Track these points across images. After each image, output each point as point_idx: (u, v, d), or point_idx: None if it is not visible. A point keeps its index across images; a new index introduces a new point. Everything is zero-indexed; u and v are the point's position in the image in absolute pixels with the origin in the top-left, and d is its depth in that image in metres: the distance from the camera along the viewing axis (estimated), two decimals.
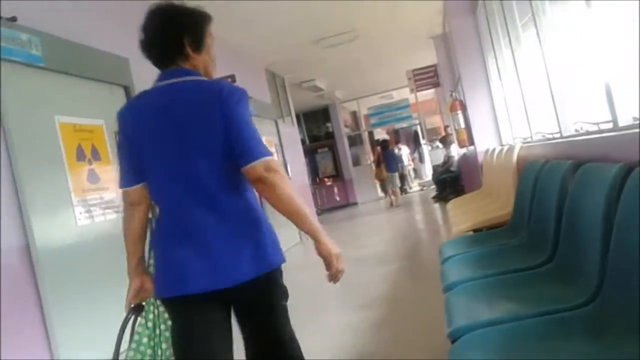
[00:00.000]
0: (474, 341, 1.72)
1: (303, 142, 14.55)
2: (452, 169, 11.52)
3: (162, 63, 1.98)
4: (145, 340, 1.99)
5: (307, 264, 7.40)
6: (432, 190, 13.09)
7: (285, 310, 2.00)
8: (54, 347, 3.67)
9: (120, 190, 2.00)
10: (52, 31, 4.22)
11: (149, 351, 1.98)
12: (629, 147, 2.03)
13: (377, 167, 13.54)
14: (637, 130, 2.11)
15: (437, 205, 11.03)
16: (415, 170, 18.55)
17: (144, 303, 2.02)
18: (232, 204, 1.86)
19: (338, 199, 16.11)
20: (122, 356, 2.08)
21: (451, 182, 11.25)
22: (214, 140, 1.78)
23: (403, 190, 15.91)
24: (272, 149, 9.21)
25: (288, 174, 9.56)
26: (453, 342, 1.78)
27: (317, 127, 17.01)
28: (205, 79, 1.94)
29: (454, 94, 8.93)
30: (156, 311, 2.00)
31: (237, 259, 1.79)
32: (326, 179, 16.30)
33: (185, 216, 1.82)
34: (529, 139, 4.97)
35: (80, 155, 4.33)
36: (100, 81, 4.82)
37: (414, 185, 17.76)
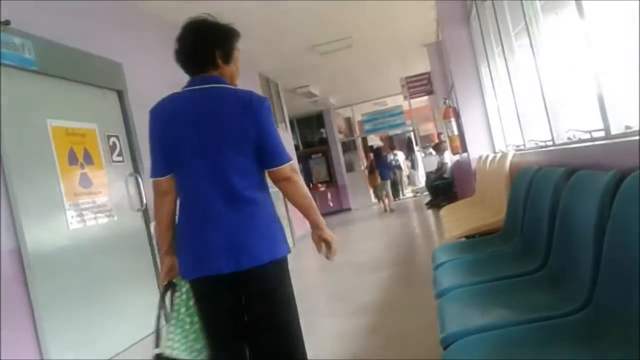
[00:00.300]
0: (466, 347, 1.72)
1: (297, 147, 14.55)
2: (445, 175, 11.54)
3: (194, 71, 2.19)
4: (183, 310, 2.24)
5: (300, 270, 7.39)
6: (425, 197, 13.11)
7: (288, 295, 2.20)
8: (44, 350, 3.65)
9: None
10: (45, 35, 4.21)
11: (187, 319, 2.25)
12: (621, 155, 2.04)
13: (370, 173, 13.65)
14: (630, 138, 2.12)
15: (430, 212, 11.05)
16: (408, 176, 18.54)
17: (174, 280, 2.25)
18: (251, 199, 2.08)
19: (332, 204, 16.12)
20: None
21: (444, 189, 11.27)
22: (245, 142, 2.05)
23: (396, 196, 16.06)
24: None
25: None
26: (445, 348, 1.78)
27: (311, 133, 17.02)
28: (233, 86, 2.21)
29: (447, 101, 8.97)
30: (187, 285, 2.23)
31: (254, 246, 2.05)
32: (320, 185, 16.30)
33: (210, 207, 2.06)
34: (522, 147, 4.99)
35: (73, 159, 4.31)
36: (93, 85, 4.81)
37: (407, 192, 17.77)
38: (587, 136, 2.91)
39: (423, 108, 17.83)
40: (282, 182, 2.13)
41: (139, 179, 5.08)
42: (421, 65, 11.67)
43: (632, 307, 1.56)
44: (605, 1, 2.57)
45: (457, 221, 4.93)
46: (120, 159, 4.97)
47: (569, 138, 3.45)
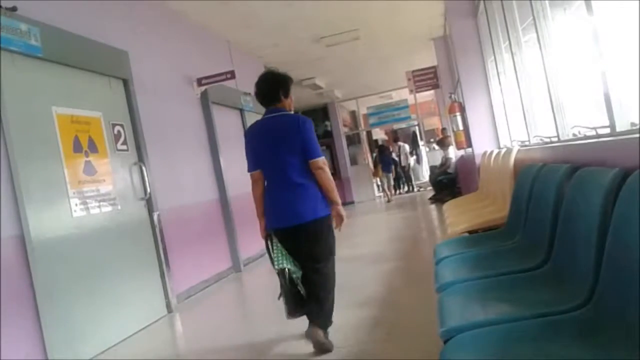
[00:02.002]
0: (466, 342, 1.72)
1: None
2: (450, 170, 11.52)
3: (267, 104, 3.55)
4: (284, 251, 3.39)
5: None
6: (430, 192, 13.14)
7: (329, 241, 3.47)
8: (46, 336, 3.68)
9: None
10: (52, 22, 4.21)
11: (288, 257, 3.39)
12: (626, 152, 2.03)
13: (374, 167, 15.31)
14: (635, 135, 2.11)
15: (433, 207, 11.03)
16: (412, 170, 18.47)
17: (269, 231, 3.49)
18: (300, 181, 3.37)
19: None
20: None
21: (448, 184, 11.25)
22: (296, 148, 3.35)
23: (402, 187, 16.38)
24: None
25: None
26: (445, 342, 1.78)
27: (315, 125, 16.85)
28: (290, 112, 3.56)
29: (453, 95, 8.94)
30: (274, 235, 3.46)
31: (303, 210, 3.35)
32: None
33: (278, 187, 3.42)
34: (527, 143, 4.98)
35: (77, 147, 4.33)
36: (99, 73, 4.81)
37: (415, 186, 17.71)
38: (593, 133, 2.90)
39: (428, 102, 17.78)
40: (316, 170, 3.39)
41: (143, 168, 5.09)
42: (428, 59, 11.62)
43: (633, 305, 1.56)
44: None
45: (460, 216, 4.93)
46: (124, 147, 4.97)
47: (574, 134, 3.44)
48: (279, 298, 3.45)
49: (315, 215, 3.35)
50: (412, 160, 16.57)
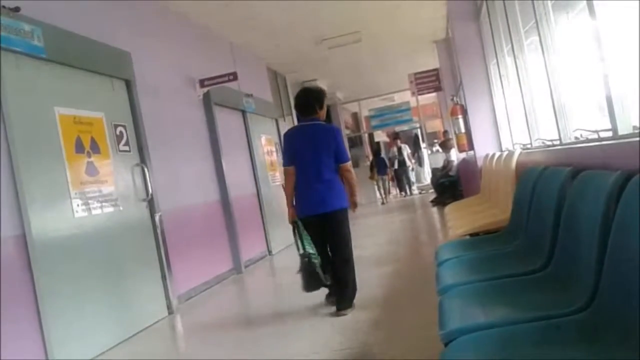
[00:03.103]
0: (466, 344, 1.72)
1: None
2: (451, 173, 11.51)
3: (305, 115, 4.31)
4: (308, 238, 4.10)
5: None
6: (431, 194, 13.11)
7: (347, 232, 4.24)
8: (47, 337, 3.68)
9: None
10: (54, 22, 4.22)
11: (311, 243, 4.10)
12: (628, 156, 2.03)
13: (370, 170, 15.52)
14: (637, 138, 2.11)
15: (435, 209, 11.02)
16: (413, 172, 18.37)
17: (295, 219, 4.20)
18: (329, 177, 4.14)
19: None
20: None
21: (450, 187, 11.25)
22: (329, 151, 4.13)
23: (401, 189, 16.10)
24: (272, 148, 9.21)
25: None
26: (446, 344, 1.78)
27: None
28: (323, 122, 4.35)
29: (455, 98, 8.94)
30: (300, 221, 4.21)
31: (329, 201, 4.11)
32: None
33: (310, 181, 4.14)
34: (529, 146, 4.97)
35: (79, 148, 4.33)
36: (101, 74, 4.82)
37: (414, 189, 17.63)
38: (595, 136, 2.90)
39: (430, 105, 17.78)
40: (345, 172, 4.23)
41: (145, 169, 5.10)
42: (430, 61, 11.63)
43: (633, 308, 1.56)
44: (616, 1, 2.55)
45: (461, 219, 4.92)
46: (126, 148, 4.98)
47: (576, 138, 3.44)
48: (297, 272, 4.15)
49: (341, 205, 4.18)
50: (409, 163, 16.34)
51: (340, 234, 4.17)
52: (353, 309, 4.09)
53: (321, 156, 4.12)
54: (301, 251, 4.09)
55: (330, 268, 4.18)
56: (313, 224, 4.12)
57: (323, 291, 4.37)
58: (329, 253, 4.26)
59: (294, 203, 4.23)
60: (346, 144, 16.94)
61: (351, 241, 4.23)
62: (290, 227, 4.28)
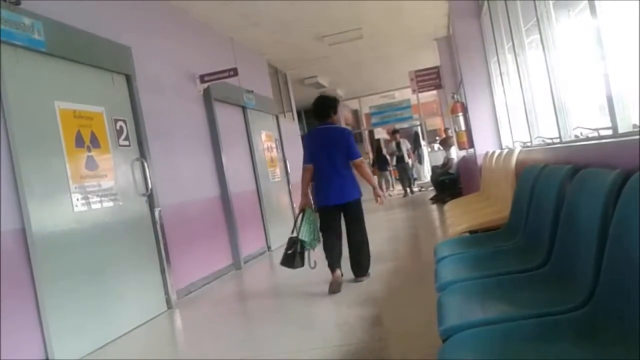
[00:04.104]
0: (464, 341, 1.72)
1: (303, 138, 14.49)
2: (451, 171, 11.51)
3: (321, 120, 4.98)
4: (311, 224, 4.85)
5: None
6: (431, 192, 13.06)
7: (362, 217, 5.00)
8: (46, 330, 3.69)
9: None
10: (55, 16, 4.21)
11: (308, 225, 4.82)
12: (627, 154, 2.03)
13: (372, 166, 15.58)
14: (637, 137, 2.11)
15: (434, 207, 11.03)
16: (412, 167, 18.19)
17: (305, 209, 4.90)
18: (344, 172, 4.81)
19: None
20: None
21: (449, 184, 11.24)
22: (342, 150, 4.81)
23: (403, 189, 15.80)
24: (272, 144, 9.21)
25: (287, 170, 9.57)
26: (444, 341, 1.78)
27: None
28: (337, 125, 5.10)
29: (455, 96, 8.93)
30: (310, 210, 4.93)
31: (345, 192, 4.81)
32: None
33: (328, 176, 4.80)
34: (529, 144, 4.98)
35: (79, 142, 4.33)
36: (102, 69, 4.82)
37: (415, 187, 17.49)
38: (595, 134, 2.90)
39: (431, 102, 17.76)
40: (357, 166, 4.92)
41: (145, 164, 5.10)
42: (431, 59, 11.62)
43: (632, 306, 1.56)
44: (618, 0, 2.54)
45: (461, 216, 4.92)
46: (126, 143, 4.98)
47: (576, 136, 3.44)
48: (286, 251, 4.78)
49: (355, 196, 4.93)
50: (409, 159, 15.91)
51: (356, 219, 4.95)
52: (369, 277, 5.01)
53: (336, 155, 4.81)
54: (294, 234, 4.77)
55: (336, 249, 4.87)
56: (330, 211, 4.88)
57: (322, 288, 4.37)
58: (337, 237, 4.92)
59: (315, 195, 5.04)
60: None
61: (364, 222, 5.01)
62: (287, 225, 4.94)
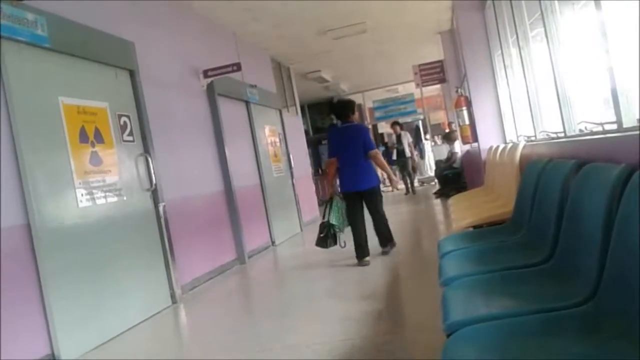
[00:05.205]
0: (469, 336, 1.72)
1: (307, 133, 14.49)
2: (455, 165, 11.49)
3: (342, 119, 5.86)
4: (339, 209, 5.67)
5: (306, 252, 7.42)
6: (432, 187, 12.96)
7: (381, 201, 5.79)
8: (51, 325, 3.70)
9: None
10: (58, 12, 4.21)
11: (337, 209, 5.68)
12: (632, 149, 2.02)
13: None
14: None
15: (438, 201, 11.02)
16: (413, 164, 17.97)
17: (332, 196, 5.79)
18: (363, 163, 5.63)
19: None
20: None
21: (453, 179, 11.23)
22: (360, 144, 5.64)
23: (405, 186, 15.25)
24: (276, 138, 9.21)
25: (291, 164, 9.57)
26: (448, 336, 1.78)
27: (321, 118, 16.93)
28: (356, 123, 6.00)
29: (459, 90, 8.91)
30: (337, 198, 5.78)
31: (364, 180, 5.62)
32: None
33: (350, 167, 5.64)
34: (533, 138, 4.96)
35: (84, 138, 4.34)
36: (105, 64, 4.81)
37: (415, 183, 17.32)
38: (599, 129, 2.89)
39: (435, 96, 17.72)
40: (372, 157, 5.65)
41: (149, 159, 5.10)
42: (434, 53, 11.58)
43: (635, 302, 1.56)
44: None
45: (465, 211, 4.92)
46: (130, 138, 4.98)
47: (580, 130, 3.43)
48: (319, 235, 5.70)
49: (373, 184, 5.71)
50: (410, 153, 15.38)
51: (375, 202, 5.73)
52: (393, 247, 5.89)
53: (356, 148, 5.62)
54: (325, 219, 5.71)
55: (363, 236, 5.63)
56: (352, 197, 5.67)
57: (326, 284, 4.37)
58: (362, 223, 5.67)
59: (339, 183, 5.83)
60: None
61: (382, 204, 5.82)
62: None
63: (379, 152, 5.84)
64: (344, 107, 5.88)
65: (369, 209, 5.75)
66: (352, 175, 5.63)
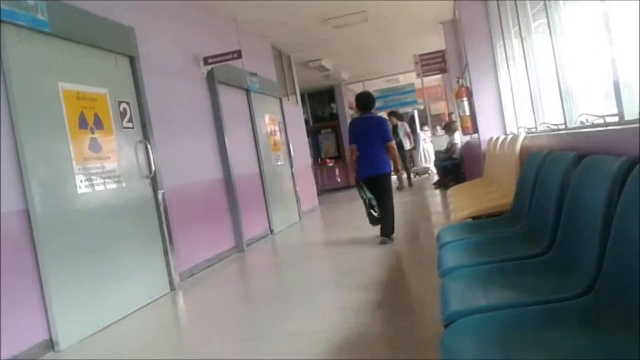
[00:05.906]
0: (467, 326, 1.73)
1: (307, 122, 14.45)
2: (455, 156, 11.48)
3: (364, 111, 6.40)
4: (367, 191, 6.06)
5: (305, 242, 7.43)
6: (427, 178, 12.81)
7: (389, 184, 6.20)
8: (50, 311, 3.71)
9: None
10: None
11: (370, 194, 6.08)
12: (633, 141, 2.02)
13: None
14: None
15: (437, 192, 11.03)
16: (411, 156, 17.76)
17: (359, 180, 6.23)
18: (378, 151, 6.08)
19: (339, 180, 16.09)
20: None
21: (453, 169, 11.23)
22: (379, 134, 6.13)
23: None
24: (276, 127, 9.19)
25: (290, 153, 9.56)
26: (446, 326, 1.79)
27: (321, 107, 16.89)
28: (376, 115, 7.23)
29: (460, 80, 8.88)
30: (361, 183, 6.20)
31: (378, 167, 6.06)
32: (328, 160, 16.27)
33: (367, 154, 6.07)
34: (534, 129, 4.96)
35: (83, 124, 4.33)
36: (105, 50, 4.79)
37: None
38: (601, 121, 2.88)
39: (435, 87, 17.68)
40: (388, 147, 6.13)
41: (148, 146, 5.09)
42: (436, 43, 11.54)
43: (635, 294, 1.56)
44: None
45: (464, 202, 4.93)
46: (130, 125, 4.97)
47: (581, 122, 3.42)
48: (370, 215, 6.10)
49: (385, 170, 6.11)
50: (407, 144, 14.84)
51: (385, 188, 6.12)
52: (392, 241, 6.02)
53: (374, 138, 6.08)
54: (365, 197, 6.05)
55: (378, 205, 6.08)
56: (368, 182, 6.09)
57: (321, 272, 4.38)
58: (377, 198, 6.09)
59: (356, 169, 6.22)
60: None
61: (391, 190, 6.23)
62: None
63: (394, 144, 6.32)
64: (367, 100, 6.44)
65: (379, 191, 6.06)
66: (369, 162, 6.04)
